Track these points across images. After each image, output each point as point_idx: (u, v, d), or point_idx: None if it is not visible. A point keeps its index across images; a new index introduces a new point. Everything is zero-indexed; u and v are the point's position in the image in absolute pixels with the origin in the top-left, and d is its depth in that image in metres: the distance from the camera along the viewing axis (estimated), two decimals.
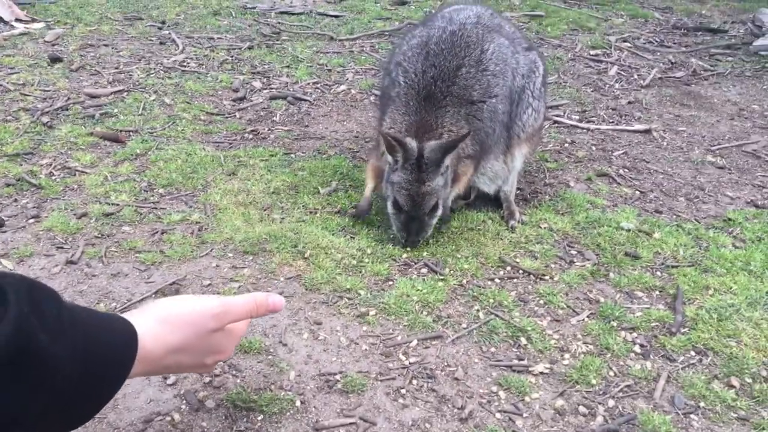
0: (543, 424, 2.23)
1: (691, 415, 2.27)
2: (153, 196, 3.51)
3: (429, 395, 2.33)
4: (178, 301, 1.76)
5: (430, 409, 2.27)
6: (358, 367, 2.43)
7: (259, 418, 2.20)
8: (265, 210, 3.39)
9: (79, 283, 2.81)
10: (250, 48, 6.05)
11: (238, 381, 2.34)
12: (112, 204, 3.38)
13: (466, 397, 2.32)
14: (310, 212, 3.39)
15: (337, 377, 2.38)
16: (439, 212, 3.17)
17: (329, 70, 5.62)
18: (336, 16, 7.23)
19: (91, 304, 2.66)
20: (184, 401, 2.23)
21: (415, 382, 2.38)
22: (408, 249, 3.12)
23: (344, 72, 5.61)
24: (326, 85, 5.30)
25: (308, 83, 5.28)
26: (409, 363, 2.46)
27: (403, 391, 2.33)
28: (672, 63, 6.20)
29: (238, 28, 6.66)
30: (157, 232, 3.17)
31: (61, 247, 3.03)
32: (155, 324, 1.64)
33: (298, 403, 2.26)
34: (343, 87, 5.26)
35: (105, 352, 1.45)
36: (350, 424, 2.20)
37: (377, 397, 2.31)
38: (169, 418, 2.18)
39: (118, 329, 1.54)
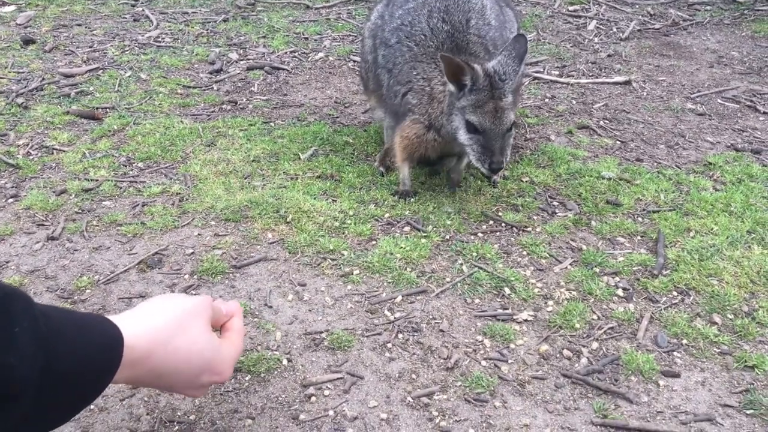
0: (528, 369, 2.25)
1: (674, 353, 2.30)
2: (132, 170, 3.49)
3: (415, 348, 2.34)
4: (167, 300, 1.65)
5: (417, 360, 2.29)
6: (343, 324, 2.44)
7: (247, 378, 2.21)
8: (245, 178, 3.38)
9: (61, 258, 2.80)
10: (225, 20, 5.99)
11: None
12: (92, 180, 3.36)
13: (452, 347, 2.34)
14: (291, 178, 3.37)
15: (323, 335, 2.39)
16: (514, 133, 3.04)
17: (306, 39, 5.57)
18: None
19: (74, 278, 2.65)
20: None
21: (401, 336, 2.39)
22: (410, 201, 3.15)
23: (321, 40, 5.56)
24: (303, 53, 5.26)
25: (285, 52, 5.24)
26: (395, 318, 2.47)
27: (389, 345, 2.35)
28: (651, 15, 6.17)
29: (213, 1, 6.58)
30: (137, 205, 3.16)
31: (42, 224, 3.01)
32: (148, 325, 1.53)
33: (285, 362, 2.28)
34: (320, 54, 5.22)
35: (85, 355, 1.37)
36: (337, 379, 2.21)
37: (364, 352, 2.32)
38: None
39: (97, 333, 1.43)
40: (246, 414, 2.08)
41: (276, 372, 2.24)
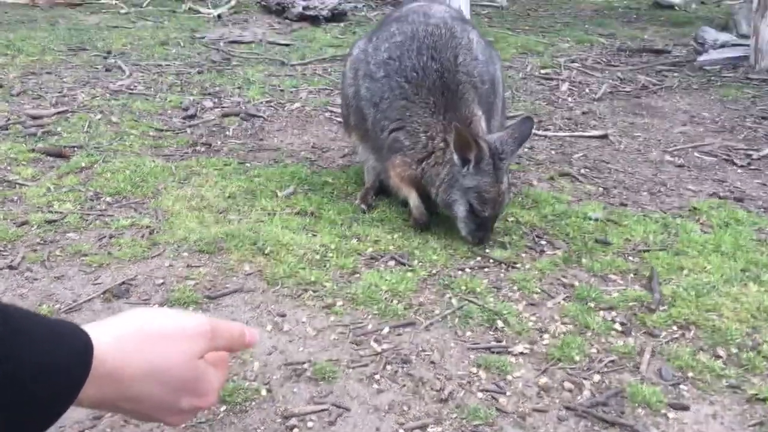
0: (528, 401, 2.09)
1: (680, 386, 2.17)
2: (100, 204, 3.31)
3: (405, 379, 2.17)
4: (156, 312, 1.33)
5: (407, 392, 2.12)
6: (327, 355, 2.27)
7: (222, 408, 2.02)
8: (220, 213, 3.22)
9: (20, 287, 2.59)
10: (199, 72, 5.92)
11: None
12: (56, 212, 3.18)
13: (444, 379, 2.17)
14: (269, 214, 3.23)
15: (305, 366, 2.21)
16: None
17: (282, 91, 5.52)
18: (286, 45, 7.18)
19: (32, 306, 2.44)
20: None
21: (389, 367, 2.22)
22: (375, 240, 3.00)
23: (297, 92, 5.52)
24: (279, 103, 5.19)
25: (261, 102, 5.16)
26: (382, 350, 2.30)
27: (377, 376, 2.18)
28: (621, 79, 6.28)
29: (187, 56, 6.54)
30: (104, 237, 2.98)
31: (0, 254, 2.81)
32: (122, 336, 1.23)
33: (264, 392, 2.09)
34: (297, 104, 5.16)
35: (47, 367, 1.13)
36: (322, 410, 2.03)
37: (350, 384, 2.14)
38: (120, 415, 1.97)
39: (66, 338, 1.17)
40: None
41: (254, 402, 2.05)
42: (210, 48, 6.85)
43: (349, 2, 9.09)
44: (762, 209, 3.51)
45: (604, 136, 4.63)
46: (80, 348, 1.14)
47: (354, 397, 2.08)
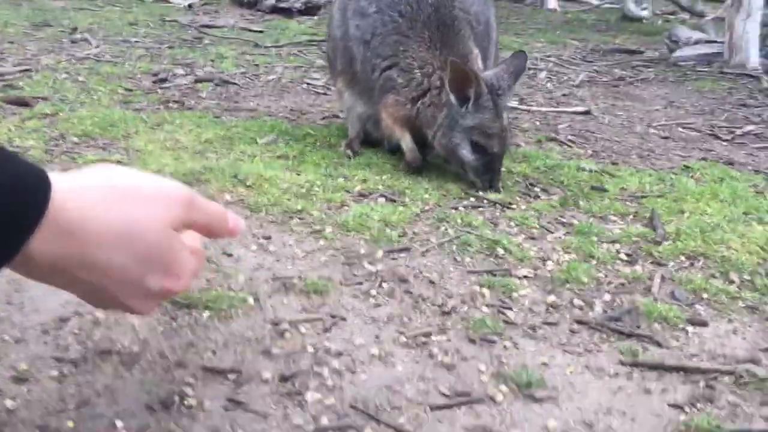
0: (537, 316, 1.94)
1: (696, 305, 2.04)
2: (66, 143, 3.09)
3: (403, 296, 2.00)
4: (130, 170, 1.12)
5: (407, 307, 1.94)
6: (317, 273, 2.08)
7: (205, 314, 1.81)
8: (196, 153, 3.03)
9: None
10: (170, 48, 5.74)
11: None
12: (17, 147, 2.94)
13: (445, 297, 2.01)
14: (249, 155, 3.04)
15: (295, 281, 2.02)
16: None
17: (257, 65, 5.35)
18: (259, 31, 7.04)
19: None
20: None
21: (385, 285, 2.05)
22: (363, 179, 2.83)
23: (273, 67, 5.36)
24: (254, 75, 5.03)
25: (236, 73, 4.99)
26: (377, 270, 2.13)
27: (372, 292, 2.00)
28: (597, 71, 6.27)
29: (157, 35, 6.34)
30: (69, 170, 2.75)
31: None
32: (89, 187, 1.02)
33: (251, 301, 1.89)
34: (272, 76, 5.00)
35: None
36: (315, 319, 1.84)
37: (344, 298, 1.96)
38: (90, 317, 1.76)
39: (20, 170, 0.96)
40: (205, 347, 1.67)
41: (240, 310, 1.85)
42: (181, 29, 6.66)
43: None
44: (753, 171, 3.45)
45: (587, 112, 4.56)
46: (35, 185, 0.94)
47: (350, 310, 1.90)
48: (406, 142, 3.02)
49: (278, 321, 1.80)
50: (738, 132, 4.30)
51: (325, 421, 1.45)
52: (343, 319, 1.85)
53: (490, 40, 3.28)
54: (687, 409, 1.56)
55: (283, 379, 1.58)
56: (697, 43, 6.59)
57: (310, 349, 1.70)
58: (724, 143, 4.08)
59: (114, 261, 1.04)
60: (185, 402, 1.47)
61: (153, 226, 1.07)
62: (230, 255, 2.15)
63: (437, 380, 1.62)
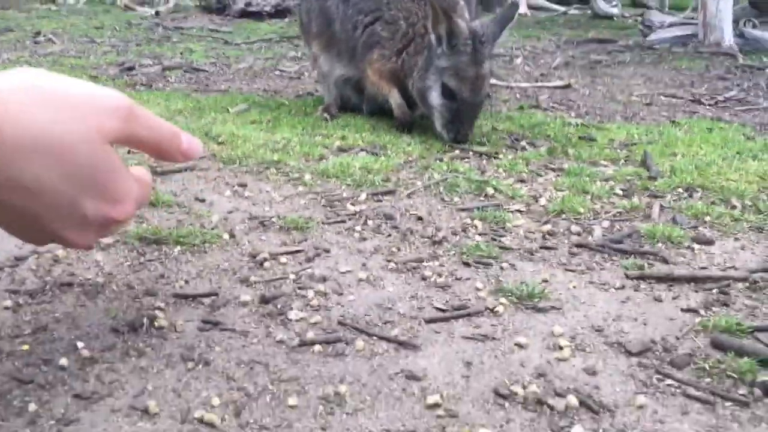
0: (533, 242, 1.81)
1: (700, 228, 1.92)
2: None
3: (391, 231, 1.87)
4: (61, 75, 0.97)
5: (395, 239, 1.81)
6: (297, 214, 1.94)
7: (176, 249, 1.67)
8: (168, 119, 2.88)
9: None
10: (138, 45, 5.60)
11: (144, 225, 1.79)
12: None
13: (435, 229, 1.88)
14: (221, 121, 2.91)
15: (273, 220, 1.88)
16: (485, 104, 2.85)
17: (227, 57, 5.23)
18: (229, 32, 6.92)
19: None
20: None
21: (371, 222, 1.91)
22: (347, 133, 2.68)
23: (244, 58, 5.24)
24: (225, 64, 4.90)
25: (206, 63, 4.86)
26: (361, 210, 2.00)
27: (357, 228, 1.87)
28: (574, 57, 6.22)
29: (123, 36, 6.20)
30: None
31: None
32: (8, 89, 0.89)
33: (226, 237, 1.75)
34: (243, 65, 4.87)
35: None
36: (297, 251, 1.70)
37: (327, 234, 1.83)
38: (50, 255, 1.61)
39: None
40: (176, 278, 1.53)
41: (215, 246, 1.71)
42: (148, 30, 6.53)
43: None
44: (741, 125, 3.37)
45: (567, 86, 4.49)
46: None
47: (333, 243, 1.77)
48: (395, 98, 2.91)
49: (256, 253, 1.66)
50: (720, 98, 4.24)
51: (311, 335, 1.31)
52: (327, 251, 1.71)
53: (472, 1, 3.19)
54: (702, 312, 1.44)
55: (264, 301, 1.44)
56: (671, 26, 6.59)
57: (292, 276, 1.56)
58: (708, 107, 4.01)
59: (41, 178, 0.89)
60: (155, 323, 1.32)
61: (85, 136, 0.91)
62: (202, 200, 2.01)
63: (431, 297, 1.49)
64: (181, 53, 5.17)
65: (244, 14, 8.05)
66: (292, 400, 1.12)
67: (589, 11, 11.67)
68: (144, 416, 1.08)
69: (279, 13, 8.19)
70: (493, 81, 4.31)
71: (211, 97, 3.47)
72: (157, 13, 8.18)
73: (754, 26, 6.55)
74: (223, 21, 7.88)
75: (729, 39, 6.10)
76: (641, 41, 6.83)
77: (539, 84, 4.53)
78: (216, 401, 1.10)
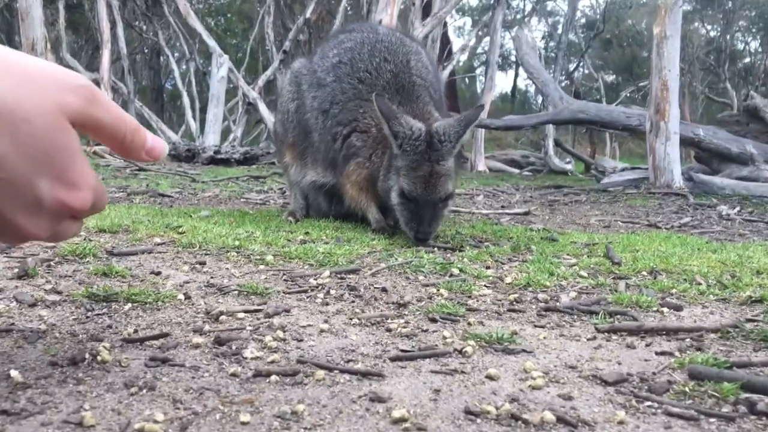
0: (501, 307, 1.76)
1: (667, 299, 1.90)
2: None
3: (354, 299, 1.81)
4: (21, 52, 0.94)
5: (358, 305, 1.75)
6: (257, 284, 1.88)
7: (127, 306, 1.58)
8: (126, 217, 2.84)
9: None
10: (103, 179, 5.64)
11: (94, 287, 1.71)
12: None
13: (400, 297, 1.82)
14: (183, 221, 2.88)
15: (232, 287, 1.82)
16: (452, 202, 2.80)
17: (194, 188, 5.28)
18: (197, 174, 7.04)
19: None
20: (14, 301, 1.58)
21: (333, 292, 1.86)
22: (343, 244, 2.63)
23: (210, 189, 5.29)
24: (191, 193, 4.94)
25: (172, 192, 4.89)
26: (324, 283, 1.94)
27: (320, 296, 1.80)
28: (532, 197, 6.42)
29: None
30: None
31: None
32: None
33: (181, 297, 1.67)
34: (209, 193, 4.92)
35: None
36: (255, 311, 1.62)
37: (288, 300, 1.76)
38: None
39: None
40: (124, 328, 1.44)
41: (169, 304, 1.63)
42: (116, 170, 6.63)
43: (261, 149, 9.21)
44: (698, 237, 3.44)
45: (527, 213, 4.59)
46: None
47: (294, 306, 1.70)
48: (372, 213, 2.95)
49: (212, 310, 1.58)
50: (676, 224, 4.36)
51: (267, 368, 1.22)
52: (287, 311, 1.64)
53: (443, 111, 3.31)
54: (677, 354, 1.39)
55: (218, 342, 1.35)
56: (624, 170, 6.90)
57: (249, 328, 1.48)
58: (665, 230, 4.11)
59: None
60: (99, 358, 1.22)
61: (44, 109, 0.87)
62: (158, 273, 1.94)
63: (396, 343, 1.41)
64: (148, 185, 5.21)
65: (213, 161, 8.25)
66: (244, 417, 1.02)
67: (544, 169, 12.29)
68: (78, 428, 0.97)
69: (247, 160, 8.42)
70: (453, 208, 4.40)
71: (175, 209, 3.45)
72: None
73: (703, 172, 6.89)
74: (192, 167, 8.04)
75: (679, 180, 6.38)
76: (595, 185, 7.11)
77: (500, 211, 4.63)
78: (160, 417, 1.00)
